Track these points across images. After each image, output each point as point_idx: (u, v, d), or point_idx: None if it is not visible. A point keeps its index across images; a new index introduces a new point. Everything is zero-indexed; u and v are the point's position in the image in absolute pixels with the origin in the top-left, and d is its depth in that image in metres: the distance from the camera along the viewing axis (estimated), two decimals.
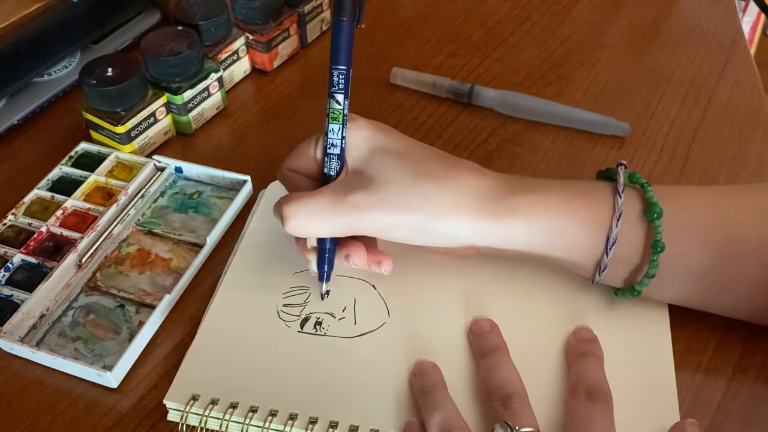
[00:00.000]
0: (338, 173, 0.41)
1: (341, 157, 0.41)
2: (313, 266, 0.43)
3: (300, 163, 0.43)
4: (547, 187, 0.40)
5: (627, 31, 0.68)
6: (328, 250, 0.42)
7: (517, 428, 0.35)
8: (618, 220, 0.38)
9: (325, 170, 0.41)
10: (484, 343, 0.41)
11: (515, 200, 0.39)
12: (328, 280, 0.43)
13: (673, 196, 0.40)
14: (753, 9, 1.53)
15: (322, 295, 0.44)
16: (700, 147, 0.55)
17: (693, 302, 0.41)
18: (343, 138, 0.40)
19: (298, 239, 0.43)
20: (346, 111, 0.40)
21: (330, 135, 0.40)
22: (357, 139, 0.41)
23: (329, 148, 0.41)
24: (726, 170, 0.53)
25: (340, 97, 0.40)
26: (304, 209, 0.39)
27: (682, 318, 0.43)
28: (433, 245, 0.40)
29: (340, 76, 0.40)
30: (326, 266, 0.42)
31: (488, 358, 0.40)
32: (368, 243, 0.42)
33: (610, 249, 0.38)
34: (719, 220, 0.39)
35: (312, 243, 0.42)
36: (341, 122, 0.40)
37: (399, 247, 0.44)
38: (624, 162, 0.41)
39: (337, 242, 0.42)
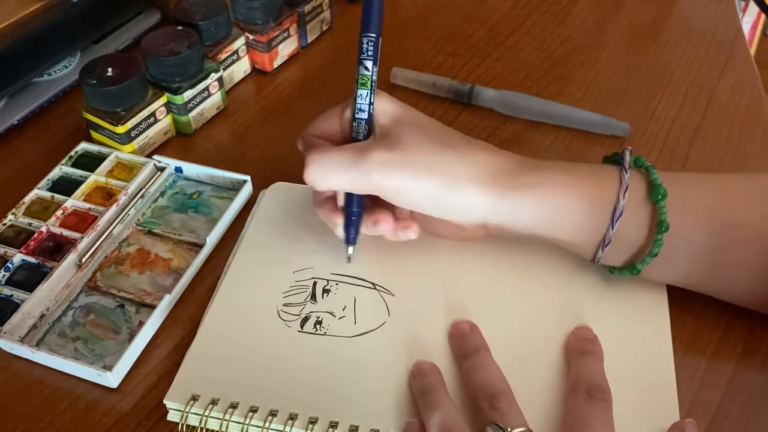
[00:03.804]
0: (365, 138, 0.42)
1: (368, 122, 0.42)
2: (340, 230, 0.43)
3: (325, 129, 0.44)
4: (555, 166, 0.41)
5: (627, 31, 0.68)
6: (355, 213, 0.43)
7: (509, 429, 0.35)
8: (624, 192, 0.39)
9: (354, 134, 0.42)
10: (465, 345, 0.41)
11: (526, 176, 0.40)
12: (354, 243, 0.44)
13: (676, 181, 0.40)
14: (753, 9, 1.53)
15: (348, 257, 0.45)
16: (700, 147, 0.55)
17: (692, 284, 0.42)
18: (371, 104, 0.42)
19: (323, 205, 0.43)
20: (374, 77, 0.42)
21: (358, 100, 0.42)
22: (383, 108, 0.42)
23: (357, 113, 0.42)
24: (726, 170, 0.53)
25: (369, 64, 0.42)
26: (326, 159, 0.40)
27: (682, 317, 0.43)
28: (446, 217, 0.41)
29: (370, 43, 0.41)
30: (353, 229, 0.43)
31: (471, 359, 0.40)
32: (393, 213, 0.43)
33: (616, 221, 0.39)
34: (722, 204, 0.40)
35: (340, 203, 0.43)
36: (369, 88, 0.42)
37: (400, 246, 0.44)
38: (630, 147, 0.42)
39: (363, 206, 0.43)
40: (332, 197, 0.44)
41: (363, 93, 0.42)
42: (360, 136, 0.42)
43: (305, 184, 0.42)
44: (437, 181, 0.39)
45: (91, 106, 0.54)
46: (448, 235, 0.43)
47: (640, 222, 0.39)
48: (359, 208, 0.43)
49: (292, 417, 0.38)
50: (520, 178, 0.40)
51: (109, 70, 0.53)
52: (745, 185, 0.42)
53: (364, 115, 0.42)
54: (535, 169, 0.41)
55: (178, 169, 0.53)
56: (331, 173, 0.40)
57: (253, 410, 0.39)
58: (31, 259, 0.47)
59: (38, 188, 0.51)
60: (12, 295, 0.45)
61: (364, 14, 0.41)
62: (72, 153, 0.54)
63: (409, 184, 0.39)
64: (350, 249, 0.44)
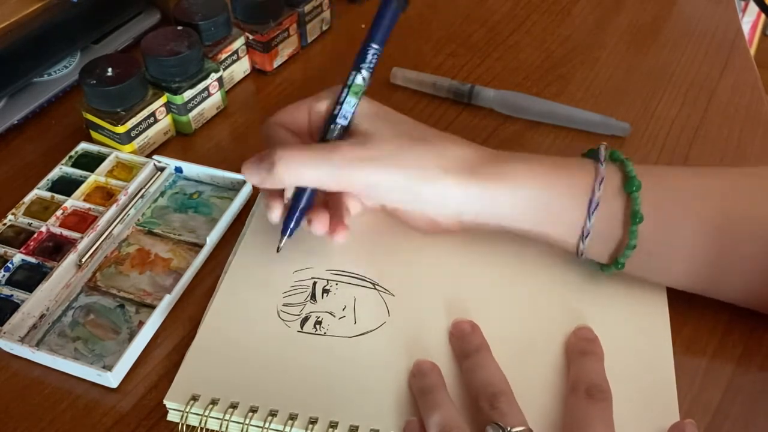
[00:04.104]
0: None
1: (346, 128, 0.42)
2: (275, 215, 0.43)
3: (294, 119, 0.43)
4: (530, 158, 0.41)
5: (627, 31, 0.68)
6: (301, 208, 0.42)
7: (509, 429, 0.35)
8: (600, 183, 0.39)
9: (327, 136, 0.42)
10: (465, 345, 0.41)
11: (502, 167, 0.40)
12: (290, 235, 0.43)
13: (661, 176, 0.41)
14: (753, 9, 1.53)
15: (279, 248, 0.44)
16: (700, 147, 0.55)
17: (689, 284, 0.42)
18: (354, 113, 0.41)
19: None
20: (365, 89, 0.41)
21: (345, 107, 0.41)
22: (359, 110, 0.42)
23: (339, 118, 0.41)
24: None
25: (366, 74, 0.41)
26: (296, 156, 0.40)
27: (682, 318, 0.43)
28: (420, 210, 0.41)
29: (375, 55, 0.41)
30: (292, 223, 0.43)
31: (471, 359, 0.40)
32: (335, 214, 0.43)
33: (593, 213, 0.39)
34: (714, 200, 0.40)
35: (288, 195, 0.42)
36: (359, 98, 0.41)
37: (401, 246, 0.44)
38: (605, 143, 0.42)
39: (311, 201, 0.42)
40: None
41: (352, 101, 0.41)
42: (333, 137, 0.42)
43: None
44: (408, 173, 0.39)
45: (91, 106, 0.54)
46: (421, 228, 0.43)
47: (616, 214, 0.40)
48: (308, 203, 0.42)
49: (292, 417, 0.38)
50: (496, 168, 0.40)
51: (109, 70, 0.53)
52: (738, 180, 0.42)
53: (345, 122, 0.42)
54: (509, 161, 0.41)
55: (178, 169, 0.53)
56: (301, 170, 0.40)
57: (253, 410, 0.39)
58: (31, 259, 0.47)
59: (38, 188, 0.51)
60: (12, 295, 0.45)
61: (376, 23, 0.41)
62: (72, 153, 0.54)
63: (380, 177, 0.39)
64: (284, 240, 0.43)
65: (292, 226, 0.43)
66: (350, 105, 0.41)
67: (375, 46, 0.41)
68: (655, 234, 0.39)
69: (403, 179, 0.39)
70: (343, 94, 0.41)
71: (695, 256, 0.40)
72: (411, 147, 0.40)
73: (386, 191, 0.40)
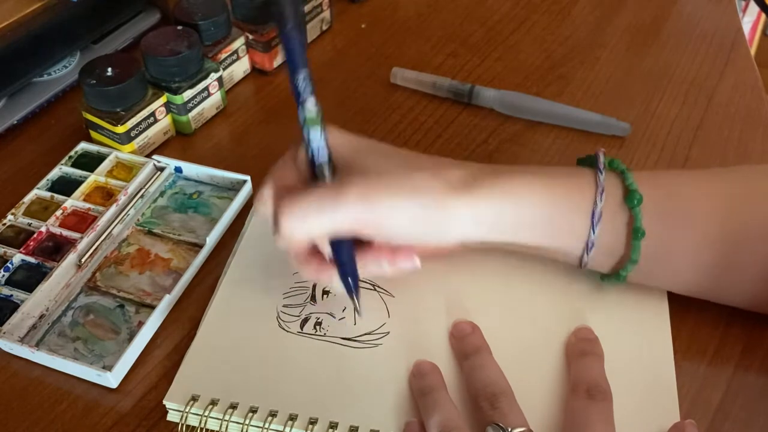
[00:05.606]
0: (332, 178, 0.39)
1: (330, 160, 0.39)
2: (337, 283, 0.40)
3: (284, 179, 0.40)
4: (531, 171, 0.40)
5: (627, 31, 0.68)
6: (348, 260, 0.39)
7: (509, 429, 0.35)
8: (601, 194, 0.39)
9: (319, 178, 0.39)
10: (465, 346, 0.41)
11: (502, 181, 0.39)
12: (358, 290, 0.40)
13: (661, 184, 0.40)
14: (753, 9, 1.53)
15: (358, 311, 0.41)
16: (700, 147, 0.55)
17: (692, 291, 0.42)
18: (326, 139, 0.39)
19: (307, 263, 0.40)
20: (321, 111, 0.38)
21: (314, 143, 0.38)
22: (339, 143, 0.40)
23: (318, 157, 0.39)
24: None
25: (311, 100, 0.38)
26: (301, 205, 0.37)
27: (682, 317, 0.43)
28: (427, 240, 0.39)
29: (306, 80, 0.38)
30: (351, 278, 0.39)
31: (471, 360, 0.40)
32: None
33: (596, 224, 0.39)
34: (715, 207, 0.39)
35: (328, 255, 0.40)
36: (321, 125, 0.38)
37: None
38: (603, 149, 0.41)
39: (354, 250, 0.39)
40: (314, 252, 0.40)
41: (316, 132, 0.38)
42: (327, 179, 0.39)
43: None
44: (420, 201, 0.37)
45: (91, 106, 0.54)
46: (425, 255, 0.41)
47: (619, 229, 0.39)
48: (349, 252, 0.39)
49: (292, 417, 0.38)
50: (496, 183, 0.39)
51: (109, 70, 0.53)
52: (739, 182, 0.41)
53: (326, 156, 0.39)
54: (506, 174, 0.39)
55: (178, 169, 0.53)
56: (310, 218, 0.37)
57: (253, 411, 0.39)
58: (31, 259, 0.47)
59: (38, 188, 0.51)
60: (12, 295, 0.45)
61: (289, 55, 0.38)
62: (72, 153, 0.54)
63: (394, 206, 0.37)
64: (357, 300, 0.40)
65: (352, 283, 0.40)
66: (318, 137, 0.38)
67: (301, 73, 0.38)
68: (657, 246, 0.39)
69: (414, 206, 0.37)
70: (305, 133, 0.38)
71: (698, 264, 0.40)
72: (413, 174, 0.38)
73: (398, 222, 0.38)
